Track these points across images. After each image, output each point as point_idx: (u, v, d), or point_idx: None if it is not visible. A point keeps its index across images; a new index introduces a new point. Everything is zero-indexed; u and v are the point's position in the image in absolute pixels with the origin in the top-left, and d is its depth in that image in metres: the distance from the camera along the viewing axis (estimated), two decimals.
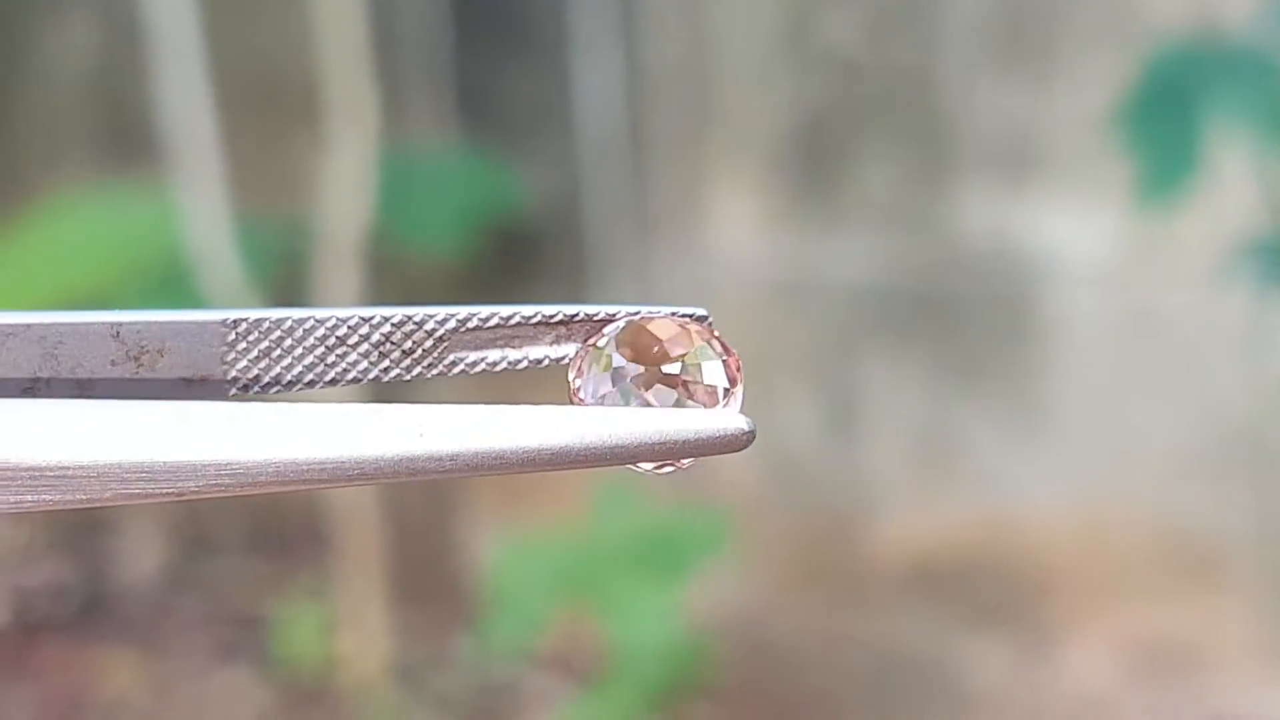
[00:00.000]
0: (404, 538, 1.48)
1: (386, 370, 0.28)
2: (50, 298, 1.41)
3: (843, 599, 1.40)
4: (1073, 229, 1.26)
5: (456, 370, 0.28)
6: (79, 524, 1.64)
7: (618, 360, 0.28)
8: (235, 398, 0.28)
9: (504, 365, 0.28)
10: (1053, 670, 1.32)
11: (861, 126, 1.35)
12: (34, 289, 1.42)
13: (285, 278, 1.44)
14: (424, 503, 1.55)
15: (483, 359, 0.28)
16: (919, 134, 1.33)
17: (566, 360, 0.29)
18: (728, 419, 0.28)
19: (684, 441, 0.27)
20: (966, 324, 1.32)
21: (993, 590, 1.34)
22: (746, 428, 0.28)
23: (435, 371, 0.28)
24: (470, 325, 0.28)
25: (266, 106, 1.57)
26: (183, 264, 1.41)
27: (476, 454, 0.26)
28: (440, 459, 0.26)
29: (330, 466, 0.26)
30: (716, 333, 0.30)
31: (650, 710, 1.31)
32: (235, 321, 0.27)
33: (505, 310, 0.28)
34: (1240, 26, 1.20)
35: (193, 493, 0.26)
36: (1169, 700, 1.28)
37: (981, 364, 1.32)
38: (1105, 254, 1.26)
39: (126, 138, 1.66)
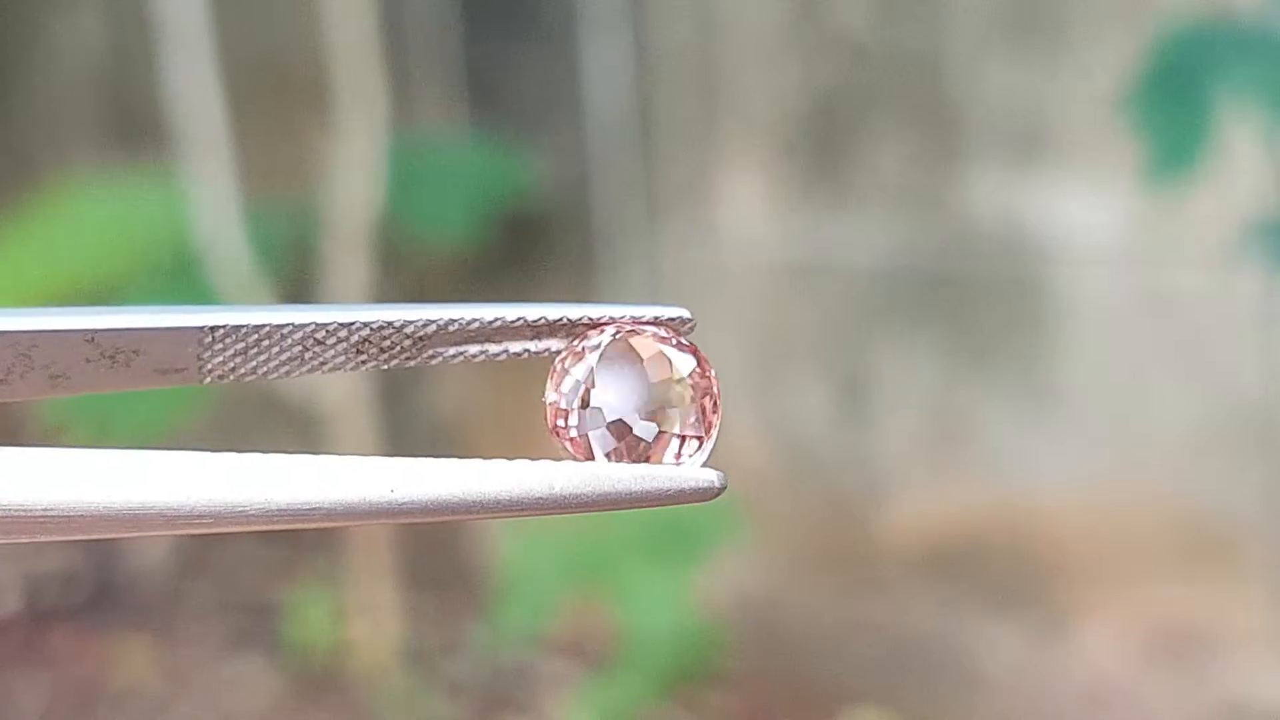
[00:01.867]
0: (414, 524, 1.48)
1: (363, 363, 0.28)
2: (60, 285, 1.41)
3: (855, 582, 1.40)
4: (1083, 210, 1.26)
5: (435, 362, 0.28)
6: None
7: (595, 400, 0.28)
8: (210, 385, 0.28)
9: (483, 358, 0.28)
10: (1066, 652, 1.32)
11: (871, 109, 1.34)
12: (43, 276, 1.42)
13: (295, 265, 1.44)
14: None
15: (462, 353, 0.28)
16: (928, 116, 1.32)
17: (547, 353, 0.29)
18: (698, 476, 0.28)
19: (653, 494, 0.27)
20: (977, 305, 1.32)
21: (1005, 573, 1.34)
22: (717, 484, 0.28)
23: (413, 363, 0.28)
24: (450, 329, 0.28)
25: (275, 94, 1.57)
26: (192, 251, 1.41)
27: (447, 505, 0.27)
28: (411, 511, 0.27)
29: (303, 511, 0.26)
30: (699, 352, 0.29)
31: (661, 695, 1.31)
32: (213, 329, 0.27)
33: (487, 314, 0.28)
34: (1249, 6, 1.20)
35: (176, 531, 0.26)
36: (1182, 682, 1.28)
37: (993, 345, 1.32)
38: (1116, 235, 1.26)
39: (136, 126, 1.66)
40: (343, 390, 1.39)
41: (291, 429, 1.48)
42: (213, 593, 1.59)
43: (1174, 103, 1.20)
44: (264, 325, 0.26)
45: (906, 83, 1.33)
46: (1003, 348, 1.32)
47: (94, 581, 1.61)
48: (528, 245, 1.48)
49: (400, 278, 1.48)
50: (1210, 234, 1.22)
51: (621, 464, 0.28)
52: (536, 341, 0.28)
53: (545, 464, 0.27)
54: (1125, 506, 1.29)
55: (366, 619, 1.45)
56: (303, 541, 1.56)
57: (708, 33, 1.39)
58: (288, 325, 0.26)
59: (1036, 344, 1.30)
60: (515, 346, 0.28)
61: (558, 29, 1.45)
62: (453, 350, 0.28)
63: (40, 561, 1.61)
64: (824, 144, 1.36)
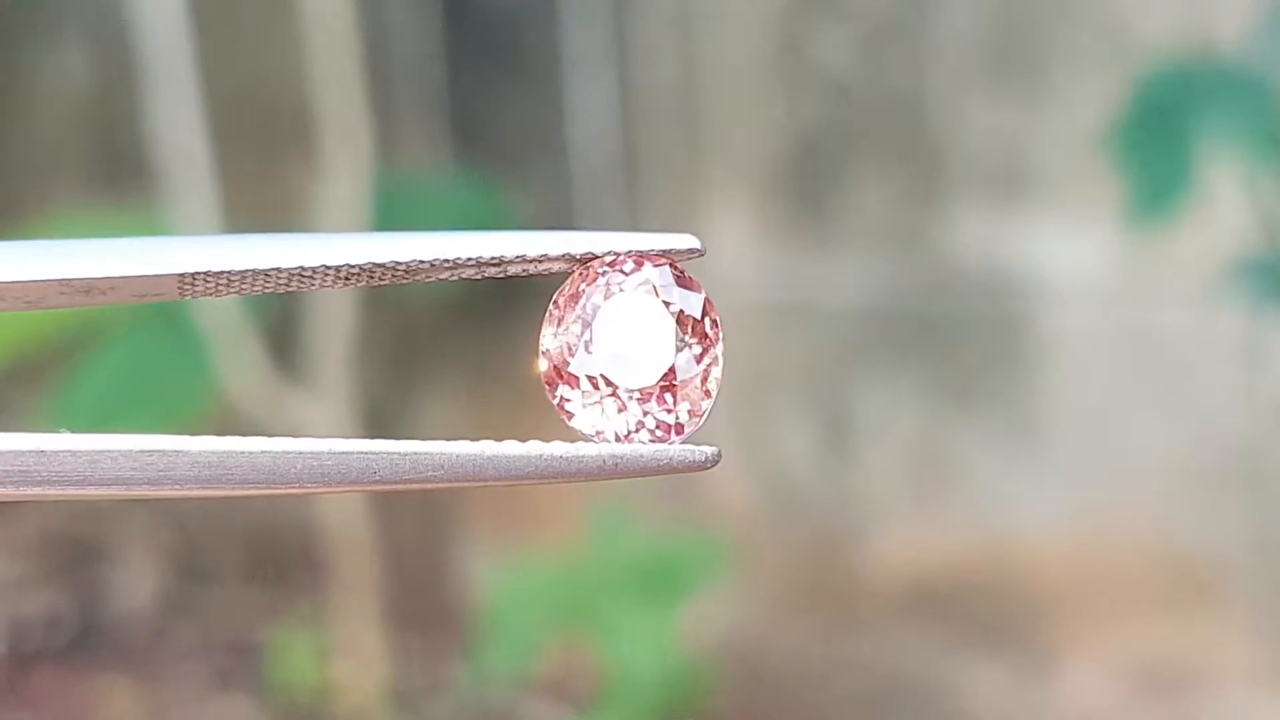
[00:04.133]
0: (399, 564, 1.48)
1: (349, 283, 0.28)
2: (45, 327, 1.40)
3: (839, 621, 1.40)
4: (1066, 248, 1.26)
5: (428, 281, 0.28)
6: (74, 553, 1.64)
7: (586, 366, 0.28)
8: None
9: (479, 276, 0.28)
10: (1050, 690, 1.31)
11: (854, 148, 1.35)
12: (27, 318, 1.42)
13: (280, 304, 1.44)
14: (419, 528, 1.55)
15: (458, 274, 0.28)
16: (911, 155, 1.33)
17: (548, 273, 0.29)
18: (691, 448, 0.28)
19: (645, 466, 0.28)
20: (961, 344, 1.32)
21: (989, 610, 1.33)
22: (713, 457, 0.28)
23: (404, 283, 0.28)
24: (445, 267, 0.27)
25: (260, 132, 1.57)
26: None
27: (429, 476, 0.27)
28: (393, 480, 0.27)
29: (285, 478, 0.27)
30: (707, 301, 0.29)
31: None
32: (193, 276, 0.26)
33: (485, 251, 0.28)
34: (1231, 45, 1.20)
35: (160, 495, 0.27)
36: (1166, 718, 1.28)
37: (976, 384, 1.32)
38: (1099, 273, 1.26)
39: (121, 165, 1.66)
40: (331, 425, 1.39)
41: None
42: (197, 634, 1.58)
43: (1156, 142, 1.20)
44: (248, 272, 0.26)
45: (889, 121, 1.34)
46: (986, 386, 1.32)
47: (78, 623, 1.60)
48: (512, 283, 1.47)
49: (386, 315, 1.48)
50: (1193, 272, 1.22)
51: (611, 436, 0.28)
52: (536, 264, 0.28)
53: (534, 443, 0.27)
54: (1109, 544, 1.29)
55: (351, 660, 1.44)
56: (287, 582, 1.55)
57: (691, 72, 1.39)
58: (273, 269, 0.26)
59: (1020, 382, 1.30)
60: (514, 268, 0.28)
61: (542, 67, 1.45)
62: (447, 274, 0.28)
63: (24, 604, 1.60)
64: (807, 183, 1.36)
